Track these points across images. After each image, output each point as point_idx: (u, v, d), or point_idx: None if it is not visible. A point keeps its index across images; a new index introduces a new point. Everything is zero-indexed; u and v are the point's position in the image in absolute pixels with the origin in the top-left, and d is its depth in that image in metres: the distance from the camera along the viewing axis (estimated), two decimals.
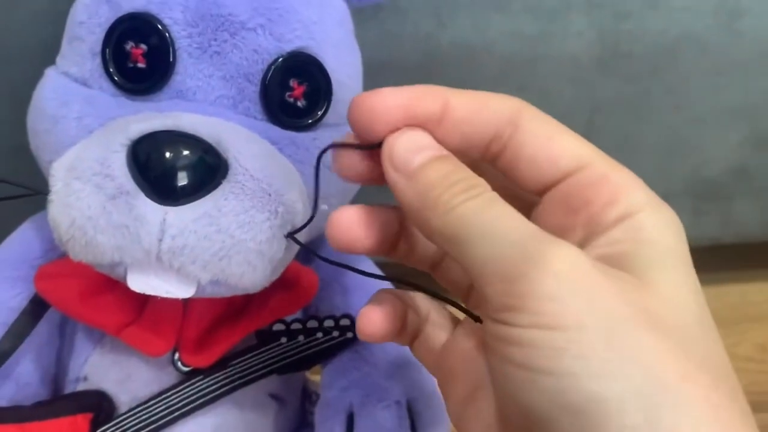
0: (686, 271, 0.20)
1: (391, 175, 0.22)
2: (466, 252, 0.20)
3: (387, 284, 0.30)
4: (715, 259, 0.59)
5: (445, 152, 0.22)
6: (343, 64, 0.35)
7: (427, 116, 0.22)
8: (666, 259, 0.20)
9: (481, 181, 0.21)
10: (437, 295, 0.26)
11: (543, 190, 0.23)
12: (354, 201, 0.40)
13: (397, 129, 0.22)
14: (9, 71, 0.41)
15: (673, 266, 0.20)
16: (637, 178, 0.22)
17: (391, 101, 0.22)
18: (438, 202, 0.21)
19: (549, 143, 0.22)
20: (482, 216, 0.20)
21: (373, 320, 0.25)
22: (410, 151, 0.22)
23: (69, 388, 0.37)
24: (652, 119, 0.50)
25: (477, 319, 0.24)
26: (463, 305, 0.26)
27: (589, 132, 0.51)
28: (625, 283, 0.19)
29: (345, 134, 0.24)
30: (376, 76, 0.45)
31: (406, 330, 0.26)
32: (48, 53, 0.35)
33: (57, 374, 0.39)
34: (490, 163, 0.23)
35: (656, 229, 0.20)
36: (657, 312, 0.19)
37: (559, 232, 0.21)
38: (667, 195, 0.55)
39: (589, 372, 0.17)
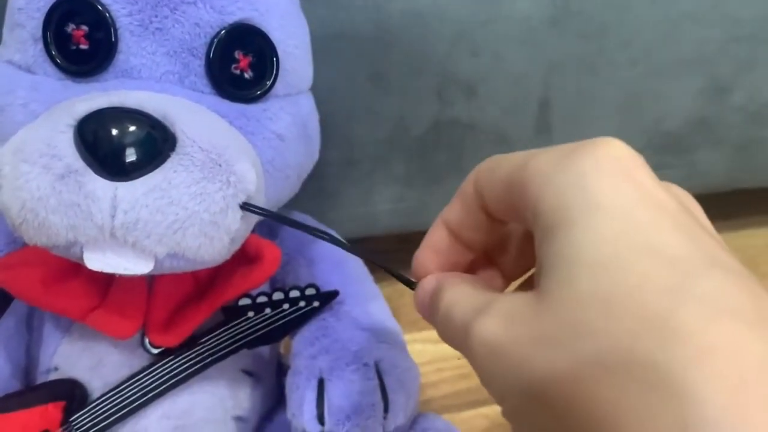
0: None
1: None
2: None
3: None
4: None
5: (437, 283, 0.25)
6: (289, 34, 0.35)
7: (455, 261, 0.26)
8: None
9: (465, 309, 0.22)
10: (395, 273, 0.27)
11: None
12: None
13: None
14: None
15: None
16: None
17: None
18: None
19: None
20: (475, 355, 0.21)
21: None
22: (423, 304, 0.25)
23: (41, 380, 0.37)
24: (609, 75, 0.51)
25: (411, 286, 0.26)
26: (401, 274, 0.27)
27: (546, 93, 0.51)
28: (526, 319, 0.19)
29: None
30: (329, 49, 0.45)
31: None
32: None
33: (28, 367, 0.39)
34: None
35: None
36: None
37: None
38: None
39: None
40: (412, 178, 0.52)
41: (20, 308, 0.37)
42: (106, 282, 0.35)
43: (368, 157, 0.51)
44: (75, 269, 0.34)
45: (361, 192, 0.52)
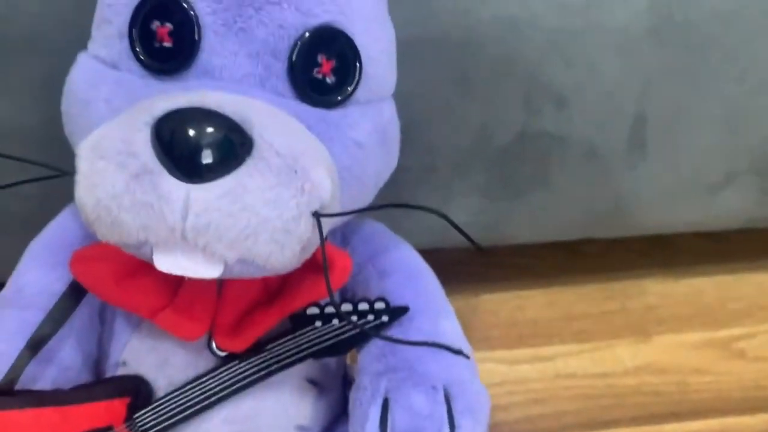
0: None
1: None
2: None
3: None
4: None
5: None
6: (374, 39, 0.34)
7: None
8: None
9: None
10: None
11: None
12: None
13: None
14: (49, 60, 0.41)
15: None
16: None
17: None
18: None
19: None
20: None
21: None
22: None
23: (109, 373, 0.38)
24: (711, 90, 0.47)
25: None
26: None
27: (642, 107, 0.48)
28: None
29: None
30: (414, 53, 0.44)
31: None
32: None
33: (99, 358, 0.39)
34: None
35: None
36: None
37: None
38: (730, 174, 0.51)
39: None
40: (493, 190, 0.50)
41: (95, 301, 0.38)
42: (177, 283, 0.35)
43: (448, 164, 0.49)
44: (147, 268, 0.34)
45: (438, 201, 0.50)
